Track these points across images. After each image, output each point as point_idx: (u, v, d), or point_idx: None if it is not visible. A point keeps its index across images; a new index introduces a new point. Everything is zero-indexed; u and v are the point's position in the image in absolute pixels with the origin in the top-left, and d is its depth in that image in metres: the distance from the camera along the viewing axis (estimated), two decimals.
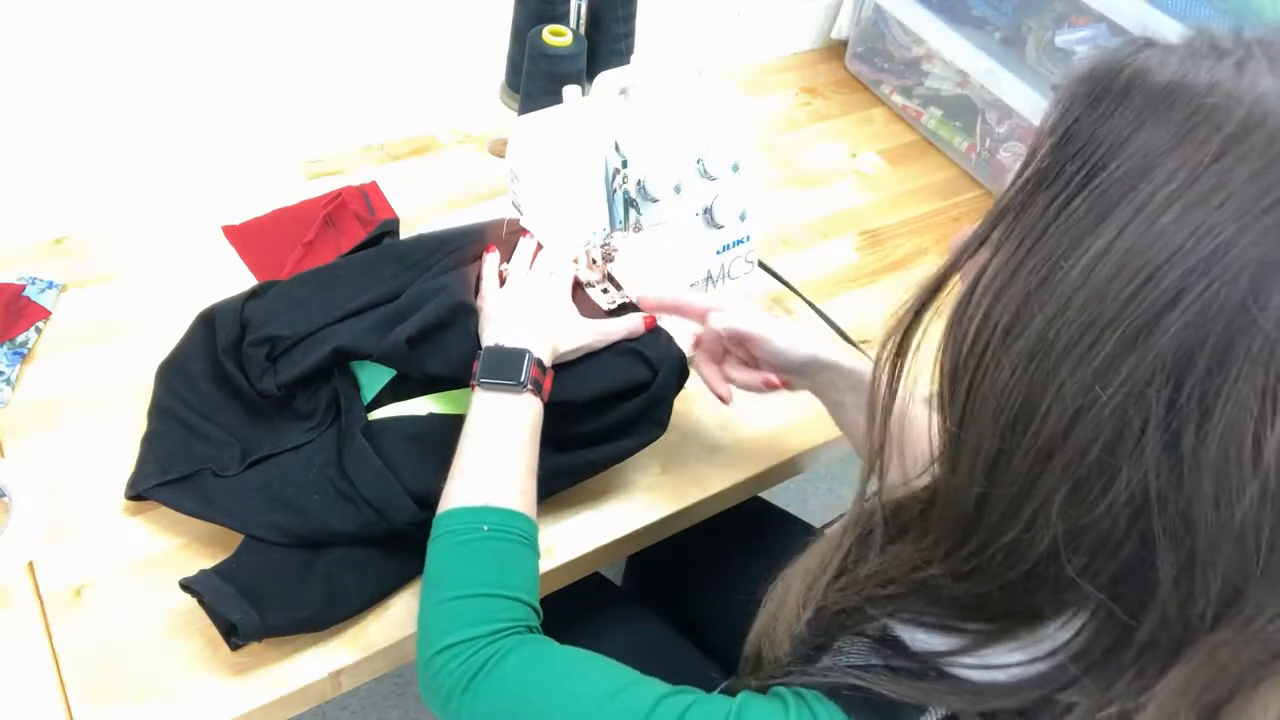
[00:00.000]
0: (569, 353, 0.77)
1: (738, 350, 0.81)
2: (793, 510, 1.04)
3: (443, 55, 1.12)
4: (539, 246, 0.84)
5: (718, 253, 0.93)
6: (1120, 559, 0.43)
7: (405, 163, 1.14)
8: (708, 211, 0.90)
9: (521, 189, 0.83)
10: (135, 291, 0.95)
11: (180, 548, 0.76)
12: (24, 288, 0.92)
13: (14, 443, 0.81)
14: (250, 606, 0.67)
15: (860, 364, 0.74)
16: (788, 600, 0.55)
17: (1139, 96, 0.41)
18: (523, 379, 0.69)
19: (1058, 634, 0.46)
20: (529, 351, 0.71)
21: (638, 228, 0.86)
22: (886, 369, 0.50)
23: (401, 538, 0.74)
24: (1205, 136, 0.39)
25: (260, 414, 0.81)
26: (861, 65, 1.41)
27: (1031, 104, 1.14)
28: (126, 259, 0.98)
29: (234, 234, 1.02)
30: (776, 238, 1.14)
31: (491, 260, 0.84)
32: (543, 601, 0.65)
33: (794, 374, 0.78)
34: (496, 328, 0.75)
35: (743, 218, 0.93)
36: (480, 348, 0.74)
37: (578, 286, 0.83)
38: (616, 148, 0.81)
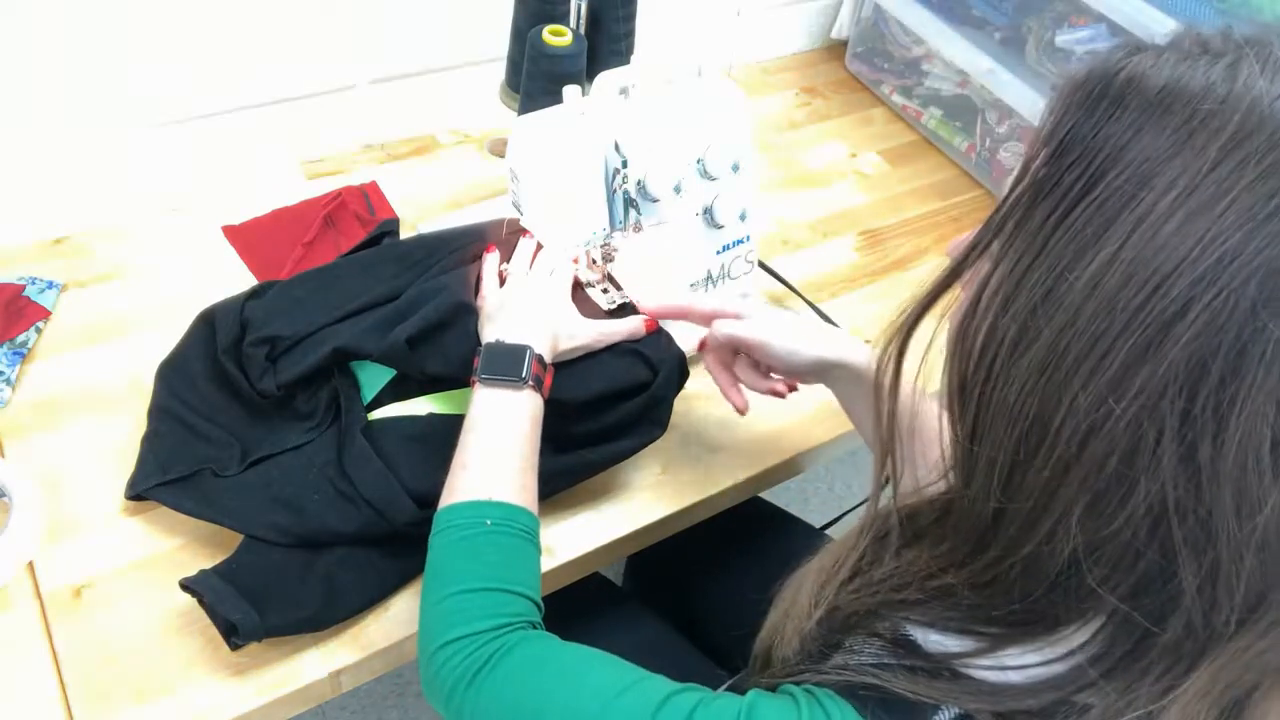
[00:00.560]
0: (569, 351, 0.77)
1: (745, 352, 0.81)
2: (793, 510, 1.04)
3: (443, 55, 1.12)
4: (539, 246, 0.84)
5: (718, 253, 0.93)
6: (1141, 569, 0.42)
7: (405, 163, 1.14)
8: (708, 211, 0.90)
9: (521, 189, 0.83)
10: (135, 291, 0.95)
11: (180, 548, 0.76)
12: (24, 288, 0.92)
13: (14, 443, 0.81)
14: (250, 606, 0.67)
15: (869, 358, 0.74)
16: (799, 599, 0.55)
17: (1134, 102, 0.41)
18: (524, 375, 0.70)
19: (1075, 635, 0.46)
20: (530, 348, 0.71)
21: (638, 228, 0.86)
22: (889, 375, 0.51)
23: (401, 538, 0.74)
24: (1204, 143, 0.39)
25: (260, 414, 0.81)
26: (861, 65, 1.41)
27: (1031, 104, 1.14)
28: (126, 259, 0.98)
29: (234, 234, 1.02)
30: (776, 238, 1.14)
31: (491, 260, 0.84)
32: (543, 601, 0.65)
33: (801, 375, 0.78)
34: (497, 325, 0.75)
35: (743, 218, 0.93)
36: (479, 347, 0.74)
37: (578, 286, 0.84)
38: (616, 148, 0.81)
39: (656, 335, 0.82)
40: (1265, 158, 0.38)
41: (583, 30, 0.92)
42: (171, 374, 0.82)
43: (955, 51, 1.22)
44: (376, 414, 0.82)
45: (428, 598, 0.62)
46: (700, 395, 0.93)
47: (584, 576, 0.84)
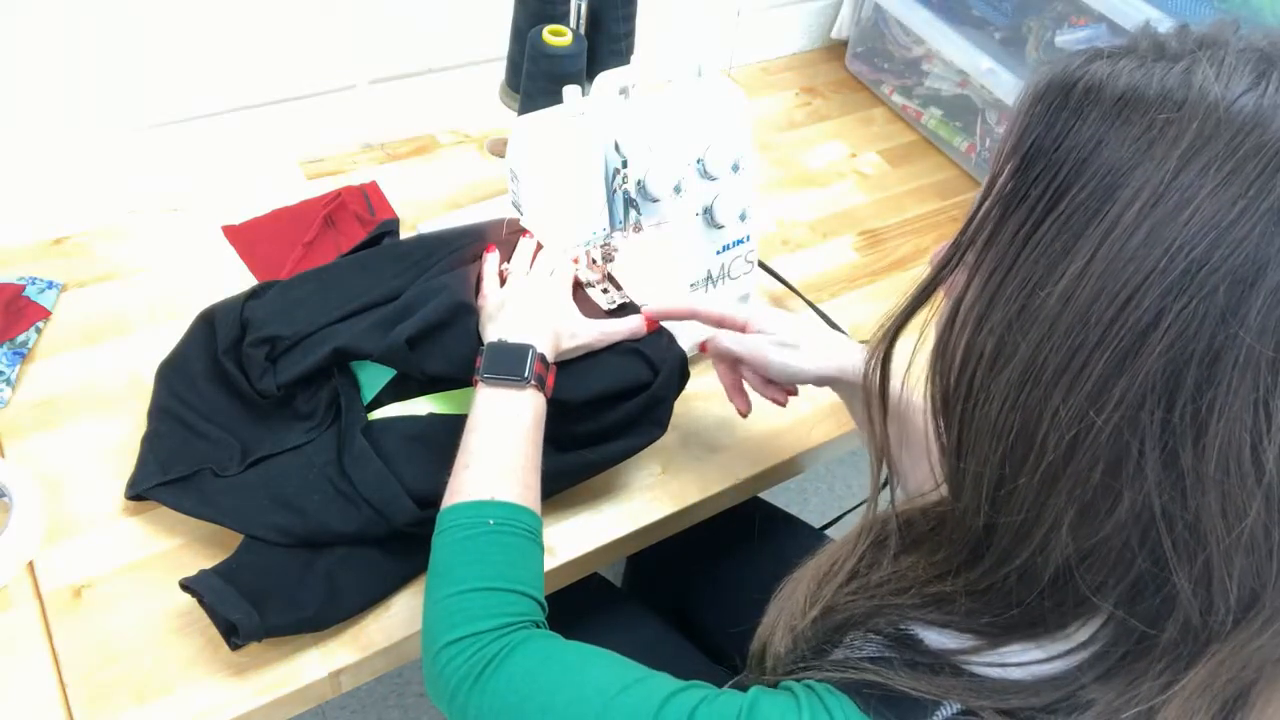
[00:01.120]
0: (571, 350, 0.77)
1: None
2: (793, 510, 1.04)
3: (443, 55, 1.12)
4: (539, 246, 0.84)
5: (718, 253, 0.93)
6: (1135, 574, 0.43)
7: (405, 163, 1.14)
8: (708, 211, 0.90)
9: (521, 189, 0.83)
10: (135, 291, 0.95)
11: (180, 548, 0.76)
12: (24, 288, 0.92)
13: (14, 443, 0.81)
14: (250, 606, 0.67)
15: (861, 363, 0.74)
16: (795, 598, 0.55)
17: (1093, 113, 0.41)
18: (526, 374, 0.70)
19: (1077, 634, 0.46)
20: (532, 347, 0.71)
21: (638, 228, 0.86)
22: (876, 385, 0.51)
23: (402, 538, 0.74)
24: (1164, 153, 0.39)
25: (260, 414, 0.81)
26: (861, 65, 1.41)
27: None
28: (126, 259, 0.98)
29: (234, 234, 1.02)
30: (776, 238, 1.14)
31: (492, 260, 0.84)
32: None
33: (800, 384, 0.79)
34: (499, 324, 0.75)
35: (743, 218, 0.93)
36: (481, 347, 0.74)
37: (578, 286, 0.84)
38: (616, 148, 0.81)
39: (657, 335, 0.82)
40: (1224, 165, 0.38)
41: (583, 30, 0.92)
42: (171, 374, 0.82)
43: (955, 51, 1.22)
44: (376, 414, 0.82)
45: (431, 597, 0.62)
46: (700, 395, 0.93)
47: (584, 576, 0.84)
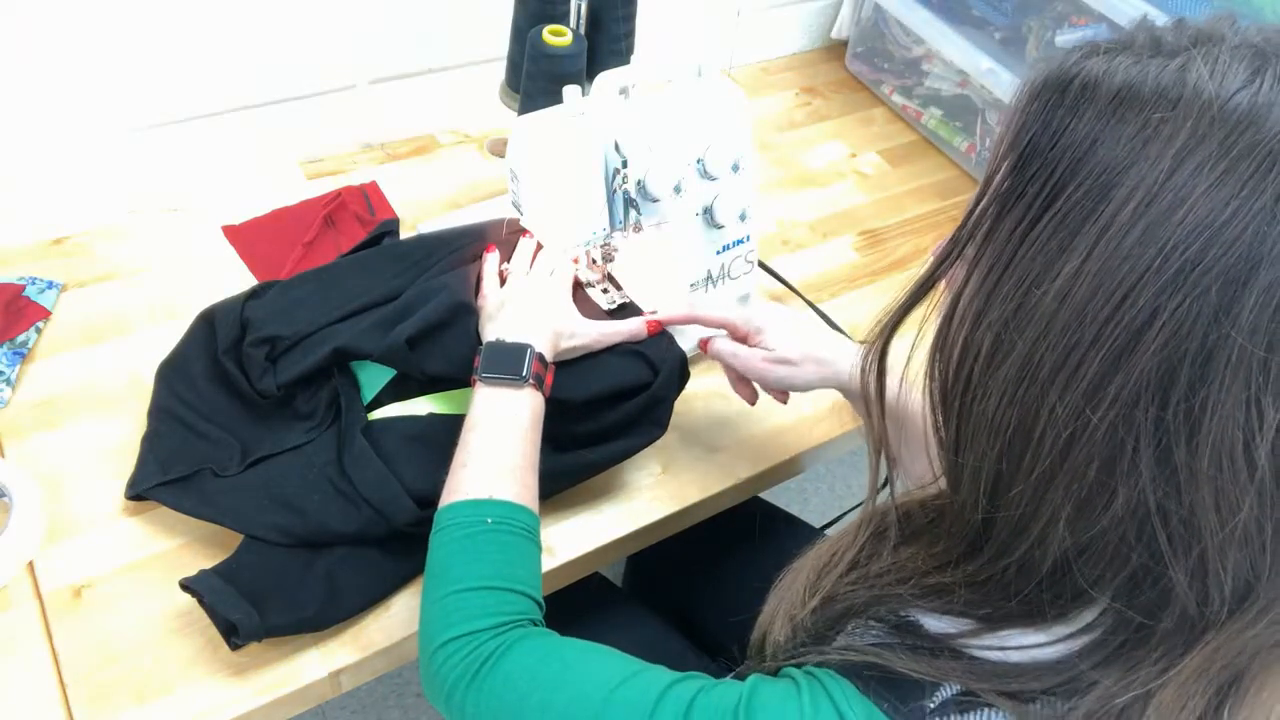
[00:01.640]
0: (570, 350, 0.77)
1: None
2: (793, 510, 1.04)
3: (443, 55, 1.12)
4: (539, 246, 0.84)
5: (718, 253, 0.93)
6: (1132, 567, 0.43)
7: (405, 163, 1.14)
8: (708, 211, 0.90)
9: (521, 189, 0.83)
10: (135, 291, 0.95)
11: (180, 548, 0.76)
12: (24, 288, 0.92)
13: (14, 443, 0.81)
14: (250, 606, 0.67)
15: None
16: (795, 586, 0.56)
17: (1089, 111, 0.41)
18: (524, 373, 0.70)
19: (1077, 619, 0.47)
20: (531, 346, 0.71)
21: (638, 228, 0.86)
22: (873, 382, 0.52)
23: (402, 538, 0.74)
24: (1158, 152, 0.39)
25: (260, 414, 0.81)
26: (861, 65, 1.41)
27: None
28: (126, 259, 0.98)
29: (234, 234, 1.02)
30: (776, 238, 1.14)
31: (492, 260, 0.85)
32: (543, 601, 0.65)
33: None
34: (498, 324, 0.75)
35: (743, 218, 0.93)
36: (480, 346, 0.74)
37: (578, 286, 0.84)
38: (616, 148, 0.81)
39: (658, 335, 0.82)
40: (1218, 164, 0.38)
41: (583, 30, 0.92)
42: (171, 374, 0.82)
43: (955, 51, 1.22)
44: (376, 414, 0.82)
45: (428, 596, 0.62)
46: (700, 395, 0.93)
47: (584, 576, 0.84)
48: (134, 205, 1.03)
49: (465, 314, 0.79)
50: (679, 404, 0.83)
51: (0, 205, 0.95)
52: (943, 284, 0.48)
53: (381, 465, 0.75)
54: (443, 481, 0.67)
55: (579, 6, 0.91)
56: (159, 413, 0.80)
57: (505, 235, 0.87)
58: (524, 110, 0.90)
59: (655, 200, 0.85)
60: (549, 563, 0.79)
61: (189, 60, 0.97)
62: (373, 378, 0.84)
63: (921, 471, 0.54)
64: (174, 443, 0.78)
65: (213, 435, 0.78)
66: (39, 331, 0.90)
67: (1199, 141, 0.38)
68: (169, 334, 0.85)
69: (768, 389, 0.82)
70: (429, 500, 0.72)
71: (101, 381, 0.87)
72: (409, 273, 0.86)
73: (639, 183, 0.83)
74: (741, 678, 0.51)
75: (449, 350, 0.78)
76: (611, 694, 0.52)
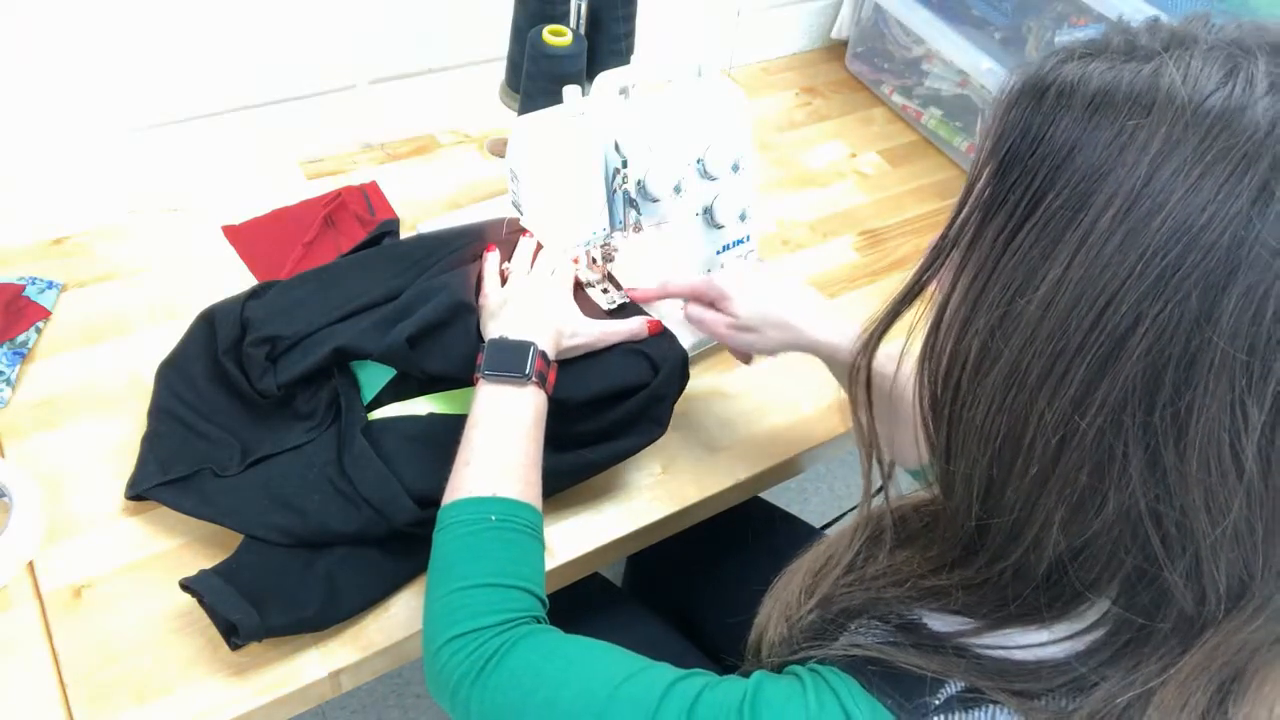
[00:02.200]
0: (571, 349, 0.77)
1: None
2: (793, 510, 1.04)
3: (443, 55, 1.12)
4: (539, 246, 0.84)
5: (718, 253, 0.93)
6: (1127, 569, 0.43)
7: (405, 163, 1.14)
8: (708, 211, 0.90)
9: (521, 189, 0.83)
10: (135, 291, 0.95)
11: (180, 548, 0.76)
12: (24, 288, 0.92)
13: (14, 443, 0.81)
14: (250, 606, 0.67)
15: (826, 338, 0.75)
16: (790, 588, 0.56)
17: (1065, 118, 0.41)
18: (527, 371, 0.70)
19: (1079, 619, 0.47)
20: (534, 344, 0.71)
21: (638, 228, 0.86)
22: (862, 387, 0.52)
23: (402, 538, 0.74)
24: (1134, 159, 0.39)
25: (260, 414, 0.81)
26: (861, 65, 1.41)
27: None
28: (126, 259, 0.98)
29: (234, 234, 1.02)
30: (776, 238, 1.14)
31: (492, 259, 0.85)
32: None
33: None
34: (500, 322, 0.75)
35: (743, 218, 0.93)
36: (482, 345, 0.74)
37: (578, 286, 0.84)
38: (616, 148, 0.81)
39: (659, 335, 0.82)
40: (1193, 169, 0.38)
41: (583, 30, 0.92)
42: (171, 374, 0.82)
43: (955, 51, 1.22)
44: (376, 414, 0.82)
45: (432, 593, 0.62)
46: (700, 395, 0.93)
47: (584, 576, 0.84)
48: (134, 205, 1.03)
49: (465, 313, 0.79)
50: (679, 404, 0.83)
51: (0, 205, 0.95)
52: (933, 286, 0.48)
53: (381, 465, 0.75)
54: (443, 481, 0.67)
55: (579, 6, 0.91)
56: (159, 413, 0.80)
57: (505, 235, 0.87)
58: (524, 110, 0.90)
59: (655, 200, 0.85)
60: (549, 563, 0.79)
61: (189, 60, 0.97)
62: (373, 378, 0.84)
63: (908, 456, 0.55)
64: (174, 443, 0.78)
65: (213, 435, 0.78)
66: (39, 331, 0.90)
67: (1174, 146, 0.38)
68: (169, 334, 0.85)
69: (734, 352, 0.84)
70: (429, 500, 0.73)
71: (101, 381, 0.87)
72: (409, 272, 0.86)
73: (639, 183, 0.83)
74: (745, 676, 0.51)
75: (449, 349, 0.78)
76: (616, 690, 0.52)
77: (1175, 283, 0.38)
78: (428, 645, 0.60)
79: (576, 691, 0.53)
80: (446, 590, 0.60)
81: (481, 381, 0.71)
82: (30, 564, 0.74)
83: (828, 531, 1.04)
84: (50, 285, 0.93)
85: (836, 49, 1.46)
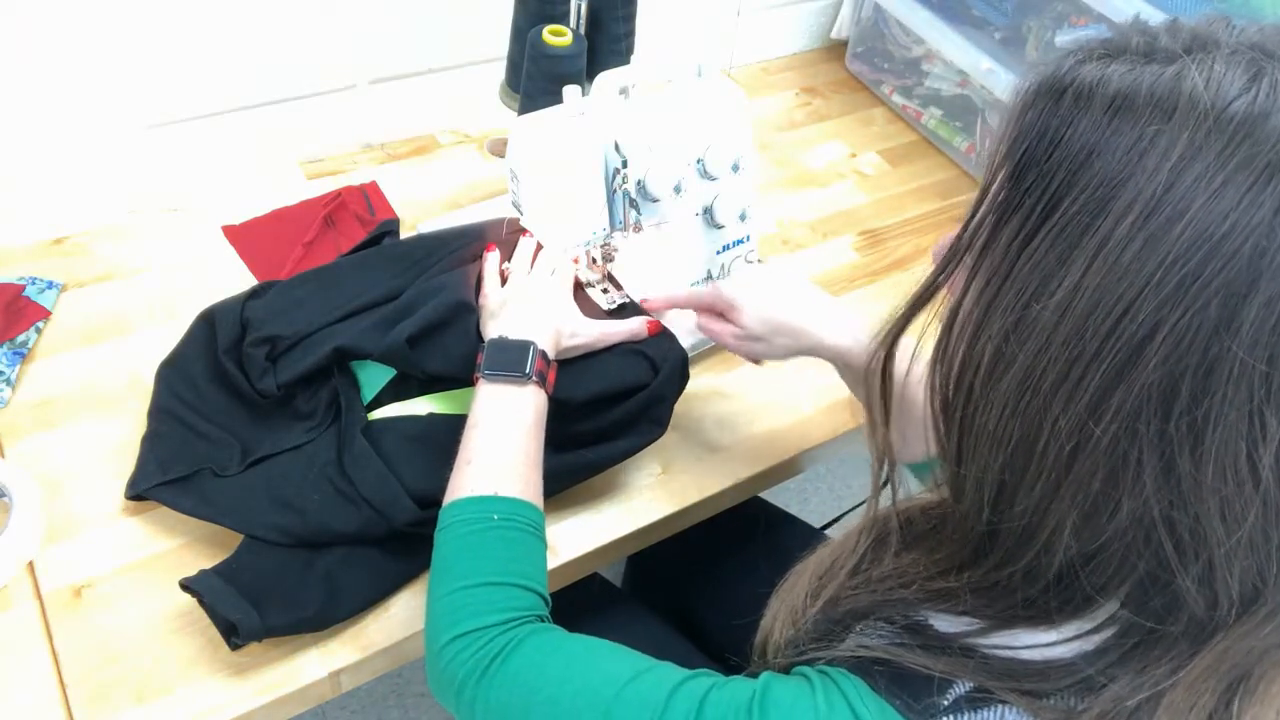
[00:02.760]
0: (571, 349, 0.77)
1: None
2: (793, 510, 1.04)
3: (443, 55, 1.12)
4: (539, 246, 0.84)
5: (718, 253, 0.93)
6: (1139, 574, 0.43)
7: (405, 163, 1.14)
8: (708, 211, 0.90)
9: (521, 189, 0.83)
10: (135, 291, 0.95)
11: (180, 548, 0.76)
12: (24, 288, 0.92)
13: (14, 443, 0.81)
14: (250, 606, 0.67)
15: (835, 342, 0.74)
16: (796, 590, 0.55)
17: (1084, 121, 0.41)
18: (527, 370, 0.70)
19: (1091, 615, 0.46)
20: (534, 344, 0.71)
21: (638, 228, 0.86)
22: (877, 387, 0.52)
23: (402, 538, 0.74)
24: (1155, 165, 0.39)
25: (260, 414, 0.81)
26: (861, 65, 1.41)
27: None
28: (126, 259, 0.98)
29: (234, 234, 1.02)
30: (776, 238, 1.14)
31: (492, 259, 0.85)
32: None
33: None
34: (500, 322, 0.75)
35: (743, 218, 0.93)
36: (482, 344, 0.74)
37: (578, 287, 0.84)
38: (616, 148, 0.81)
39: (659, 335, 0.82)
40: (1215, 177, 0.38)
41: (583, 30, 0.92)
42: (171, 374, 0.82)
43: (955, 51, 1.22)
44: (376, 414, 0.82)
45: (435, 593, 0.62)
46: (700, 395, 0.93)
47: (584, 576, 0.84)
48: (134, 205, 1.03)
49: (465, 313, 0.79)
50: (679, 404, 0.83)
51: (0, 205, 0.95)
52: (944, 289, 0.48)
53: (381, 465, 0.75)
54: (443, 481, 0.67)
55: (579, 6, 0.91)
56: (159, 413, 0.80)
57: (505, 235, 0.87)
58: (524, 110, 0.90)
59: (655, 200, 0.85)
60: (549, 562, 0.79)
61: (189, 60, 0.97)
62: (373, 378, 0.84)
63: (915, 451, 0.54)
64: (174, 443, 0.78)
65: (213, 435, 0.78)
66: (39, 331, 0.90)
67: (1196, 153, 0.38)
68: (169, 334, 0.85)
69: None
70: (429, 500, 0.73)
71: (101, 381, 0.87)
72: (409, 272, 0.86)
73: (639, 183, 0.83)
74: (751, 676, 0.51)
75: (449, 349, 0.78)
76: (622, 690, 0.52)
77: (1195, 291, 0.38)
78: (430, 644, 0.60)
79: (581, 690, 0.53)
80: (449, 589, 0.60)
81: (481, 381, 0.71)
82: (30, 564, 0.74)
83: (830, 532, 1.04)
84: (50, 285, 0.93)
85: (836, 49, 1.46)
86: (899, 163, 1.29)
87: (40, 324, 0.90)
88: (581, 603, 0.87)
